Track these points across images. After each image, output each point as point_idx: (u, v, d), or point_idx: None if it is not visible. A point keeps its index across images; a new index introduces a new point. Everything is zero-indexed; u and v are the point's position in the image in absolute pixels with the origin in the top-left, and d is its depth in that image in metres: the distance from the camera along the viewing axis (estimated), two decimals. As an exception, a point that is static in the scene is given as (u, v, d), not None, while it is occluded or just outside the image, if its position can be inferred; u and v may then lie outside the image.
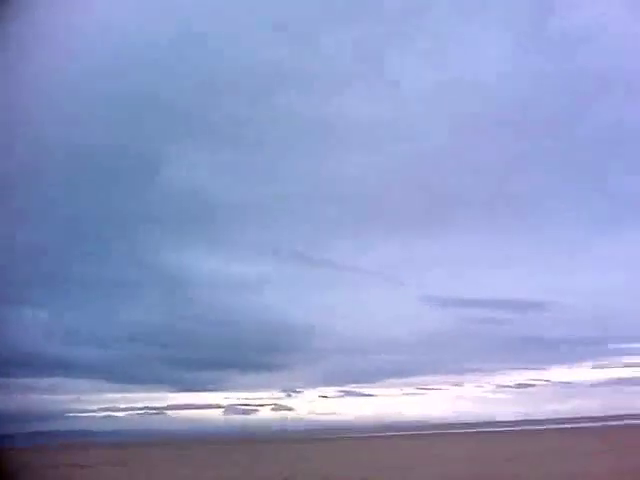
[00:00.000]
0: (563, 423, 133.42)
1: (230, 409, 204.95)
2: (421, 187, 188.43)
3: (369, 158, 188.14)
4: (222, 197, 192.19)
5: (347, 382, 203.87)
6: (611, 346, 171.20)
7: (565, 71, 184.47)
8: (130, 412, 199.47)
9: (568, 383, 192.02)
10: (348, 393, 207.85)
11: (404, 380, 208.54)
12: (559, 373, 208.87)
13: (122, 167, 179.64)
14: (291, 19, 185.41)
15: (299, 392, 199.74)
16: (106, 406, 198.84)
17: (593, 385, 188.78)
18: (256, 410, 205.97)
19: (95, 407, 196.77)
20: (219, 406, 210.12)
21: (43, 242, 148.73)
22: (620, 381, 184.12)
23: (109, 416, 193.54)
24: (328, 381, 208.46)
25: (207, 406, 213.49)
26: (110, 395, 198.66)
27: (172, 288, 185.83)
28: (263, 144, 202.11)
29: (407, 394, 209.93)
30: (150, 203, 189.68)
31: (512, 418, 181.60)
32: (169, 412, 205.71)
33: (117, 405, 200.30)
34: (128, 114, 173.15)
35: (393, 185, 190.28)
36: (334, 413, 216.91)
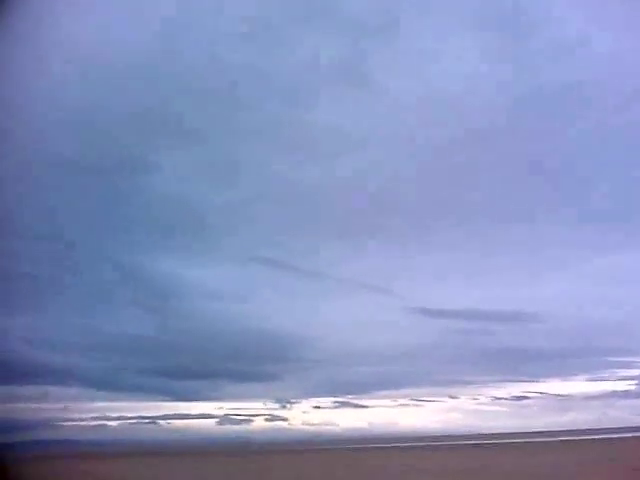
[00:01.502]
0: (559, 436, 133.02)
1: (224, 419, 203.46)
2: (402, 197, 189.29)
3: (353, 167, 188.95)
4: (206, 204, 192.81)
5: (341, 393, 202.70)
6: (606, 358, 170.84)
7: (546, 85, 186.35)
8: (121, 421, 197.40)
9: (563, 395, 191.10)
10: (342, 404, 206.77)
11: (398, 391, 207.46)
12: (554, 386, 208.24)
13: (100, 172, 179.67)
14: (270, 27, 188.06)
15: (293, 403, 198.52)
16: (97, 415, 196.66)
17: (588, 398, 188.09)
18: (250, 420, 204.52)
19: (85, 416, 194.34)
20: (212, 416, 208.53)
21: (25, 249, 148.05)
22: (614, 394, 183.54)
23: (100, 425, 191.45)
24: (321, 392, 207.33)
25: (200, 416, 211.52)
26: (100, 404, 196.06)
27: (158, 296, 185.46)
28: (244, 151, 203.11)
29: (402, 405, 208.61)
30: (130, 209, 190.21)
31: (508, 430, 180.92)
32: (161, 422, 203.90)
33: (108, 414, 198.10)
34: (110, 119, 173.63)
35: (375, 195, 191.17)
36: (328, 424, 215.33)
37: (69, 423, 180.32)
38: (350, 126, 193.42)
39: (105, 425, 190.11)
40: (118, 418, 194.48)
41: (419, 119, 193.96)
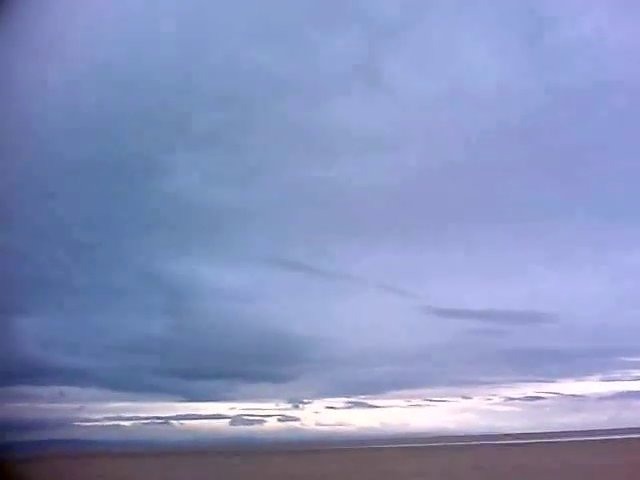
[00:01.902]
0: (573, 436, 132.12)
1: (236, 419, 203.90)
2: (418, 197, 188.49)
3: (365, 167, 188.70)
4: (220, 205, 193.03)
5: (353, 393, 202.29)
6: (620, 359, 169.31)
7: (560, 84, 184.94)
8: (136, 421, 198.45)
9: (577, 396, 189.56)
10: (355, 404, 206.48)
11: (411, 392, 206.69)
12: (568, 386, 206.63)
13: (115, 174, 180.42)
14: (282, 26, 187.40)
15: (306, 403, 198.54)
16: (111, 415, 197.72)
17: (602, 398, 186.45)
18: (263, 421, 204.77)
19: (100, 416, 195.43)
20: (225, 416, 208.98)
21: (41, 251, 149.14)
22: (629, 394, 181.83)
23: (115, 425, 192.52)
24: (334, 392, 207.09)
25: (213, 416, 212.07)
26: (115, 404, 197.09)
27: (172, 297, 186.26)
28: (261, 151, 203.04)
29: (414, 405, 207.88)
30: (147, 211, 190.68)
31: (521, 431, 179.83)
32: (175, 422, 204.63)
33: (122, 414, 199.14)
34: (125, 121, 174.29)
35: (390, 194, 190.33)
36: (341, 424, 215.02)
37: (84, 423, 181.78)
38: (364, 127, 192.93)
39: (118, 425, 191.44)
40: (131, 418, 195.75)
41: (434, 119, 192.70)
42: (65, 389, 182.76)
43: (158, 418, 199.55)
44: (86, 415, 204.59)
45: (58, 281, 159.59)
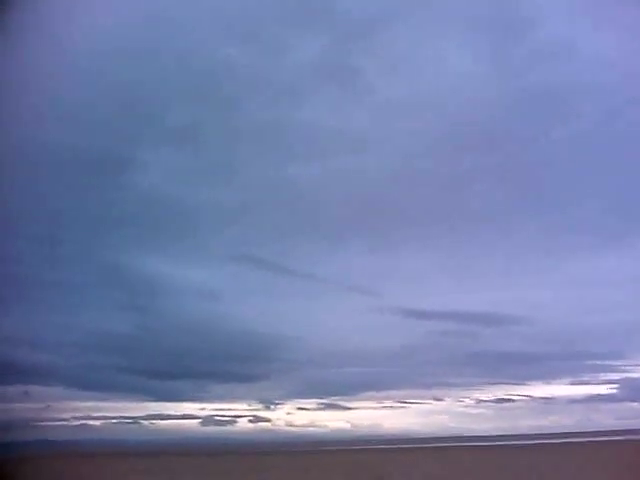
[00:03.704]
0: (542, 438, 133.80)
1: (207, 420, 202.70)
2: (389, 199, 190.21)
3: (335, 168, 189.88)
4: (189, 203, 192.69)
5: (325, 394, 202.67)
6: (589, 362, 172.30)
7: (531, 88, 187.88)
8: (104, 421, 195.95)
9: (547, 398, 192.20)
10: (327, 405, 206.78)
11: (383, 393, 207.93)
12: (538, 389, 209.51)
13: (83, 168, 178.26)
14: (260, 27, 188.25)
15: (277, 404, 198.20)
16: (79, 415, 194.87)
17: (571, 401, 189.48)
18: (234, 421, 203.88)
19: (68, 415, 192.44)
20: (196, 417, 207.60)
21: (6, 246, 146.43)
22: (597, 397, 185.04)
23: (82, 425, 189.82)
24: (306, 393, 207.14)
25: (184, 416, 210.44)
26: (83, 404, 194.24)
27: (140, 295, 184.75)
28: (231, 150, 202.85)
29: (386, 407, 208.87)
30: (114, 207, 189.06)
31: (493, 433, 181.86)
32: (144, 422, 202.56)
33: (91, 414, 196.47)
34: (97, 116, 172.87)
35: (359, 196, 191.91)
36: (312, 425, 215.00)
37: (51, 423, 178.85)
38: (339, 127, 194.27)
39: (88, 425, 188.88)
40: (101, 418, 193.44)
41: (409, 121, 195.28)
42: (30, 388, 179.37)
43: (128, 418, 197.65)
44: (54, 415, 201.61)
45: (22, 276, 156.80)
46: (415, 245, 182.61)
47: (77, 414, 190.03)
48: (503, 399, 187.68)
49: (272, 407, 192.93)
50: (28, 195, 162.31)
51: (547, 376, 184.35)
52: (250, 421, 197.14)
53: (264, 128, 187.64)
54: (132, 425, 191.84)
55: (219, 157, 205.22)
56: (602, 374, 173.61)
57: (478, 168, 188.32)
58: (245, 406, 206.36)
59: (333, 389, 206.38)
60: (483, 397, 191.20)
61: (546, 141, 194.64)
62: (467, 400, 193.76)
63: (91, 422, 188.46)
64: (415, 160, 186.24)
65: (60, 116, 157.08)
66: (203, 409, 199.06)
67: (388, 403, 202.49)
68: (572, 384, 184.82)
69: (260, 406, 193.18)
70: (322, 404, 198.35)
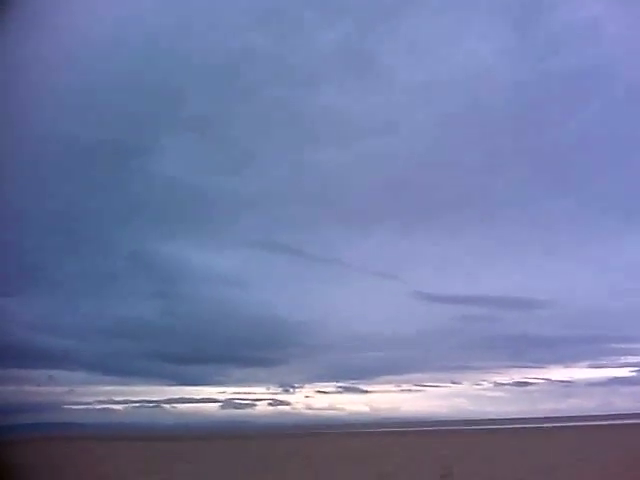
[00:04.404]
0: (561, 422, 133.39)
1: (227, 403, 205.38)
2: (412, 185, 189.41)
3: (359, 153, 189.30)
4: (212, 189, 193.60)
5: (344, 378, 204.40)
6: (608, 345, 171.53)
7: (556, 70, 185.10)
8: (127, 405, 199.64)
9: (566, 382, 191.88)
10: (346, 389, 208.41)
11: (401, 377, 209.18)
12: (557, 372, 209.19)
13: (106, 158, 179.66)
14: (279, 12, 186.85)
15: (296, 387, 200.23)
16: (102, 399, 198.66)
17: (590, 384, 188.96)
18: (253, 405, 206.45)
19: (91, 399, 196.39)
20: (216, 400, 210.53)
21: (31, 235, 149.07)
22: (617, 380, 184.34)
23: (106, 408, 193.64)
24: (325, 377, 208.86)
25: (204, 400, 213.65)
26: (106, 388, 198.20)
27: (163, 281, 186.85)
28: (253, 136, 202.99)
29: (405, 390, 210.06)
30: (138, 196, 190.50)
31: (510, 416, 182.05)
32: (166, 406, 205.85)
33: (114, 398, 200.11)
34: (118, 108, 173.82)
35: (384, 181, 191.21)
36: (331, 408, 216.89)
37: (75, 406, 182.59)
38: (357, 113, 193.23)
39: (110, 409, 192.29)
40: (123, 402, 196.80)
41: (436, 106, 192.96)
42: (54, 372, 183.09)
43: (149, 402, 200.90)
44: (76, 398, 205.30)
45: (49, 265, 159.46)
46: (441, 230, 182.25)
47: (100, 398, 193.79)
48: (522, 382, 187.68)
49: (291, 390, 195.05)
50: (51, 188, 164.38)
51: (566, 359, 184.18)
52: (270, 404, 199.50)
53: (285, 114, 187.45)
54: (154, 409, 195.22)
55: (241, 144, 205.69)
56: (622, 357, 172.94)
57: (505, 152, 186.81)
58: (264, 390, 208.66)
59: (352, 373, 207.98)
60: (502, 380, 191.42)
61: (575, 123, 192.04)
62: (485, 383, 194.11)
63: (113, 406, 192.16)
64: (436, 144, 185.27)
65: (82, 109, 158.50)
66: (223, 392, 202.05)
67: (406, 387, 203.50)
68: (591, 367, 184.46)
69: (279, 389, 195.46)
70: (341, 387, 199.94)
